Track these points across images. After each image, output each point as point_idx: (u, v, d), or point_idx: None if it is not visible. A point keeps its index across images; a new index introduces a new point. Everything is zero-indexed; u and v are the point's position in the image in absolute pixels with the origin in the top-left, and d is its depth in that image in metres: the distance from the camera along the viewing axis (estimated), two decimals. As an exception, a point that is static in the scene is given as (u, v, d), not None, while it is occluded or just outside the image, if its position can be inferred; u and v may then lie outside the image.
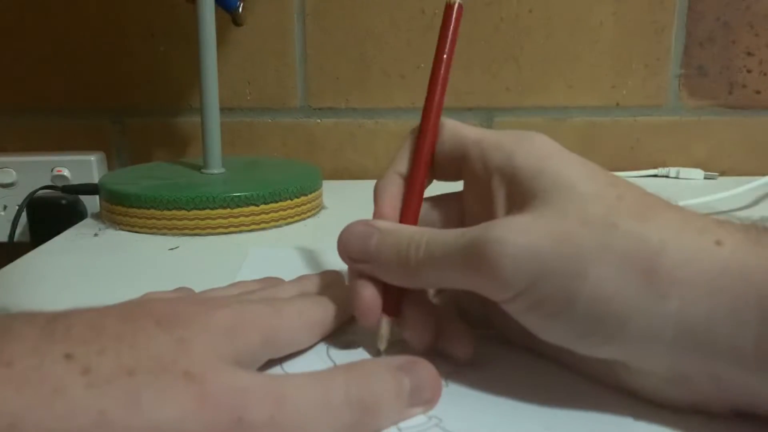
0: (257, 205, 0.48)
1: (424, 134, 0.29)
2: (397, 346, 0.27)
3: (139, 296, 0.28)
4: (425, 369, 0.24)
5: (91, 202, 0.59)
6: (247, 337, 0.24)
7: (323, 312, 0.28)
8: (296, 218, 0.50)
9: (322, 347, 0.28)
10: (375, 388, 0.22)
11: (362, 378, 0.22)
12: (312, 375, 0.22)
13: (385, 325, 0.27)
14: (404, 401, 0.23)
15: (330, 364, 0.26)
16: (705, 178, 0.65)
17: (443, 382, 0.25)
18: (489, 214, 0.26)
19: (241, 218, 0.47)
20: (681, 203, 0.24)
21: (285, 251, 0.43)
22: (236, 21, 0.58)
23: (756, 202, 0.54)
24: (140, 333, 0.21)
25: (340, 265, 0.39)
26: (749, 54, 0.67)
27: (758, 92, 0.68)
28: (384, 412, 0.22)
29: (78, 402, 0.18)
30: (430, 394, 0.23)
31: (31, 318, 0.20)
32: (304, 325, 0.27)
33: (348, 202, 0.56)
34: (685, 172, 0.65)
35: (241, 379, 0.21)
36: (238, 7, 0.57)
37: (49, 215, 0.58)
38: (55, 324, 0.20)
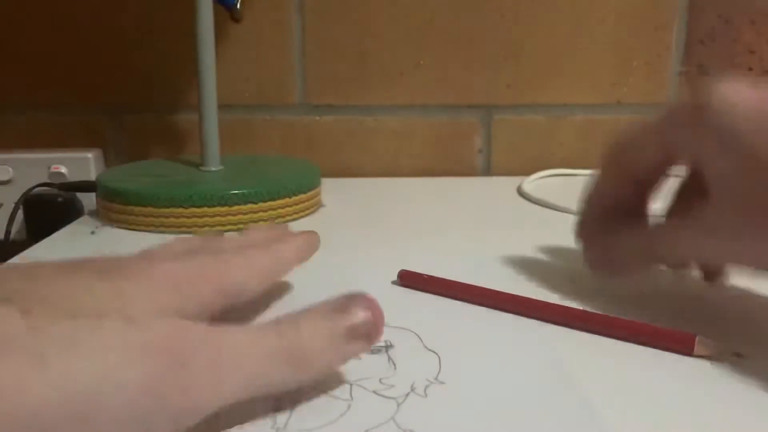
0: (255, 203, 0.47)
1: None
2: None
3: None
4: (360, 304, 0.24)
5: (88, 200, 0.58)
6: (194, 288, 0.24)
7: (271, 258, 0.29)
8: (295, 216, 0.50)
9: None
10: (305, 335, 0.23)
11: (294, 324, 0.23)
12: (247, 328, 0.23)
13: None
14: (340, 341, 0.23)
15: None
16: (706, 176, 0.64)
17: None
18: None
19: (239, 216, 0.47)
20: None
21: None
22: (234, 17, 0.57)
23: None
24: (80, 282, 0.21)
25: (337, 263, 0.38)
26: (751, 52, 0.67)
27: (759, 90, 0.67)
28: (319, 355, 0.23)
29: (18, 344, 0.17)
30: (368, 330, 0.24)
31: None
32: (253, 271, 0.28)
33: (347, 200, 0.56)
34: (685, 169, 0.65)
35: (181, 327, 0.21)
36: (236, 4, 0.56)
37: (46, 213, 0.57)
38: None
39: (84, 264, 0.23)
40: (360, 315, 0.24)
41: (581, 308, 0.31)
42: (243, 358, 0.21)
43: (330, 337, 0.23)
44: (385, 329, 0.30)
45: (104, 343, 0.19)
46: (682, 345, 0.27)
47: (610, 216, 0.34)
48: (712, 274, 0.34)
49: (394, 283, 0.36)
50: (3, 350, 0.17)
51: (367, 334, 0.24)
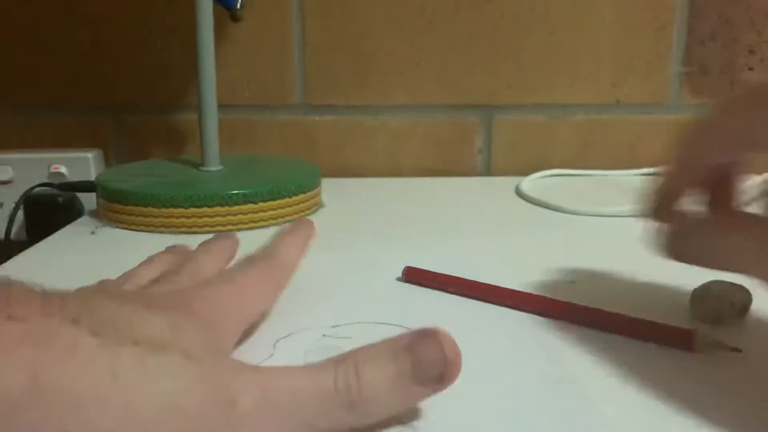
0: (255, 203, 0.47)
1: None
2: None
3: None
4: (431, 343, 0.21)
5: (88, 200, 0.58)
6: (223, 326, 0.25)
7: (276, 269, 0.30)
8: (295, 216, 0.50)
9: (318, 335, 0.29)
10: (366, 378, 0.21)
11: (353, 365, 0.21)
12: (303, 369, 0.22)
13: None
14: (406, 383, 0.21)
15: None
16: (706, 176, 0.64)
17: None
18: None
19: (240, 216, 0.47)
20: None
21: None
22: (234, 17, 0.57)
23: (755, 200, 0.54)
24: (133, 311, 0.21)
25: (338, 263, 0.38)
26: (751, 52, 0.67)
27: (759, 90, 0.67)
28: (381, 400, 0.21)
29: (91, 361, 0.18)
30: (439, 370, 0.21)
31: (27, 286, 0.20)
32: (265, 290, 0.29)
33: (347, 200, 0.56)
34: (685, 170, 0.65)
35: (234, 365, 0.22)
36: (237, 4, 0.56)
37: (46, 213, 0.57)
38: (50, 296, 0.20)
39: (126, 293, 0.23)
40: (430, 354, 0.21)
41: (582, 304, 0.31)
42: (296, 401, 0.20)
43: (394, 380, 0.21)
44: (388, 329, 0.30)
45: (167, 369, 0.19)
46: (681, 341, 0.28)
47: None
48: None
49: (398, 279, 0.36)
50: (79, 366, 0.18)
51: (440, 375, 0.21)
